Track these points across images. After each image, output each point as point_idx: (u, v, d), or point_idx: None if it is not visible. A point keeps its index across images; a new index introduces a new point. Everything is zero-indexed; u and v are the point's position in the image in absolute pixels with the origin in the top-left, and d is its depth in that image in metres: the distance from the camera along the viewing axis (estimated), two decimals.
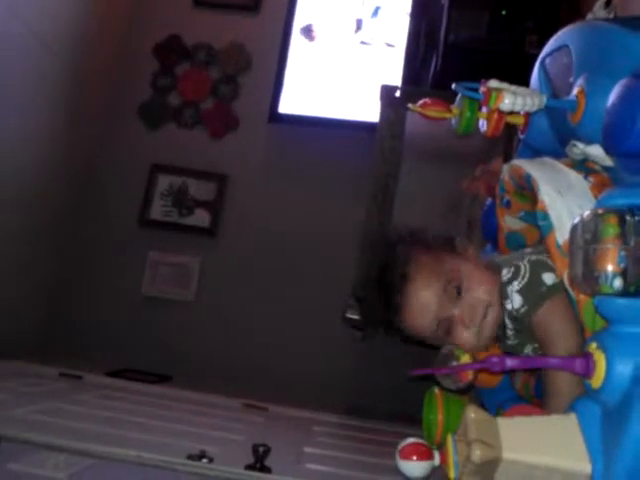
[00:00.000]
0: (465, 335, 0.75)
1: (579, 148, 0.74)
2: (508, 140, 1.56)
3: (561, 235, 0.67)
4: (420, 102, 0.83)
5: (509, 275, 0.75)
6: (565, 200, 0.69)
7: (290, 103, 2.70)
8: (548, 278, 0.72)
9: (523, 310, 0.73)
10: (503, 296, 0.75)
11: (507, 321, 0.76)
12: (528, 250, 0.80)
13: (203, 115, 2.76)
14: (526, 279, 0.73)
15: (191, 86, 2.78)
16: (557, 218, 0.68)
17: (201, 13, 2.83)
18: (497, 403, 0.84)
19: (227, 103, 2.77)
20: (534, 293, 0.72)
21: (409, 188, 2.01)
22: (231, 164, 2.69)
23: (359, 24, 2.77)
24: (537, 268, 0.73)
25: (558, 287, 0.71)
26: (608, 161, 0.71)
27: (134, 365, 2.28)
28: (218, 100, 2.77)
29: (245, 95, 2.77)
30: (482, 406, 0.83)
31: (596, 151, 0.71)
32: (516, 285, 0.74)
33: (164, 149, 2.72)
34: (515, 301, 0.73)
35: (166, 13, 2.86)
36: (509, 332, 0.77)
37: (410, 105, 0.83)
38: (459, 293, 0.75)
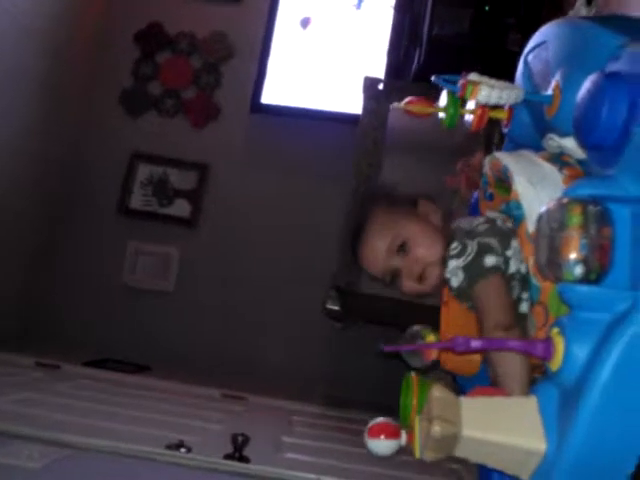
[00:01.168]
0: (408, 284, 0.86)
1: (555, 141, 0.77)
2: (489, 135, 1.58)
3: (531, 224, 0.70)
4: (405, 100, 0.86)
5: (456, 251, 0.81)
6: (537, 191, 0.73)
7: (273, 94, 2.69)
8: (489, 260, 0.78)
9: (463, 285, 0.79)
10: (444, 266, 0.82)
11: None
12: (487, 228, 0.83)
13: (184, 104, 2.74)
14: (470, 258, 0.79)
15: (173, 75, 2.75)
16: (529, 208, 0.72)
17: (183, 1, 2.79)
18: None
19: (209, 92, 2.74)
20: (473, 272, 0.79)
21: (391, 180, 2.01)
22: (212, 154, 2.67)
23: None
24: (482, 250, 0.79)
25: (496, 269, 0.77)
26: (580, 154, 0.73)
27: (113, 355, 2.25)
28: (200, 89, 2.75)
29: (227, 85, 2.75)
30: (462, 393, 0.85)
31: (569, 144, 0.74)
32: (461, 262, 0.80)
33: (145, 138, 2.69)
34: (459, 276, 0.80)
35: (148, 0, 2.82)
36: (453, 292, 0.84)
37: (395, 104, 0.86)
38: (404, 250, 0.85)
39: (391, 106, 0.92)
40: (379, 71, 2.56)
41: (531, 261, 0.69)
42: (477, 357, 0.90)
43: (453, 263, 0.81)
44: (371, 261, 0.88)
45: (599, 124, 0.58)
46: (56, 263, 2.61)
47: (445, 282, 0.82)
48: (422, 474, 1.21)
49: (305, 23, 2.75)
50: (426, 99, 0.86)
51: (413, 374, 0.81)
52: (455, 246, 0.81)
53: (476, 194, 0.98)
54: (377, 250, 0.87)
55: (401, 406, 0.79)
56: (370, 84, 2.12)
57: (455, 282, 0.81)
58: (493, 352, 0.71)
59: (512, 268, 0.78)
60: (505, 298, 0.75)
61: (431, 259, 0.85)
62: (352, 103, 2.51)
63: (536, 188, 0.73)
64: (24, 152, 2.33)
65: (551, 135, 0.78)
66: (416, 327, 0.82)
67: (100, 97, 2.75)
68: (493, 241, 0.80)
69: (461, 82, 0.78)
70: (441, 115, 0.85)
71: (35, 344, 2.25)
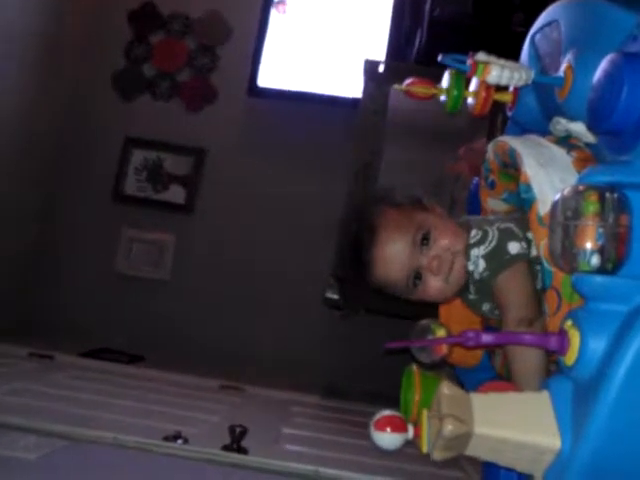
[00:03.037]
0: (434, 283, 0.79)
1: (562, 124, 0.75)
2: (492, 120, 1.55)
3: (543, 207, 0.68)
4: (406, 81, 0.83)
5: (477, 238, 0.78)
6: (547, 173, 0.70)
7: (270, 76, 2.64)
8: (513, 247, 0.75)
9: (485, 274, 0.76)
10: (466, 257, 0.78)
11: (469, 280, 0.79)
12: (499, 217, 0.82)
13: (179, 87, 2.69)
14: (492, 245, 0.76)
15: (167, 56, 2.70)
16: (539, 190, 0.69)
17: None
18: (476, 383, 0.84)
19: (204, 75, 2.70)
20: (497, 260, 0.75)
21: (391, 165, 2.00)
22: (208, 138, 2.63)
23: None
24: (504, 236, 0.76)
25: (521, 257, 0.74)
26: (590, 138, 0.71)
27: (107, 345, 2.24)
28: (195, 72, 2.70)
29: (223, 67, 2.70)
30: (461, 386, 0.84)
31: (578, 128, 0.72)
32: (482, 250, 0.76)
33: (138, 122, 2.64)
34: (479, 265, 0.76)
35: None
36: (471, 287, 0.80)
37: (396, 85, 0.83)
38: (427, 243, 0.78)
39: (392, 87, 0.88)
40: (380, 53, 2.51)
41: (543, 245, 0.67)
42: (479, 349, 0.88)
43: (475, 252, 0.77)
44: (392, 262, 0.78)
45: (618, 107, 0.55)
46: (49, 251, 2.58)
47: (468, 275, 0.78)
48: (424, 465, 1.21)
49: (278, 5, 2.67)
50: (428, 80, 0.83)
51: (414, 367, 0.79)
52: (475, 233, 0.78)
53: (476, 180, 0.95)
54: (399, 246, 0.78)
55: (402, 399, 0.77)
56: (370, 67, 2.08)
57: (476, 273, 0.76)
58: (510, 348, 0.69)
59: (534, 251, 0.74)
60: (529, 287, 0.72)
61: (458, 247, 0.78)
62: (352, 86, 2.47)
63: (546, 170, 0.70)
64: (13, 137, 2.29)
65: (558, 119, 0.75)
66: (425, 321, 0.78)
67: (92, 80, 2.69)
68: (511, 225, 0.77)
69: (470, 62, 0.76)
70: (443, 98, 0.82)
71: (28, 334, 2.23)
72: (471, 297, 0.81)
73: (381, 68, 2.11)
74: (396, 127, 2.01)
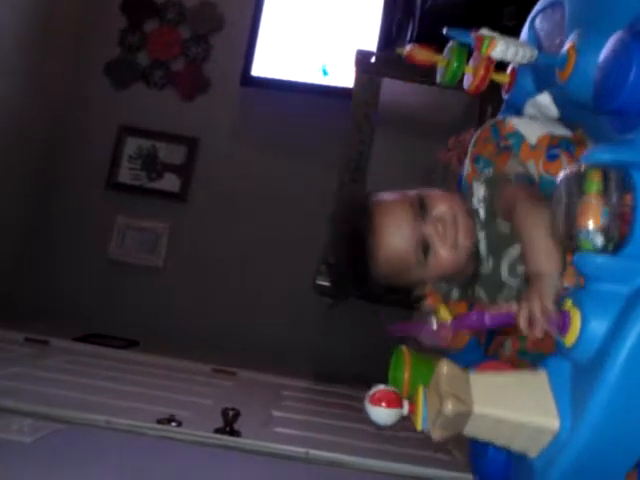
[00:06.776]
0: (444, 252, 0.75)
1: (535, 104, 0.76)
2: (481, 111, 1.57)
3: (532, 138, 0.68)
4: (409, 47, 0.82)
5: (478, 170, 0.78)
6: (535, 121, 0.70)
7: (263, 66, 2.64)
8: (512, 165, 0.75)
9: (487, 196, 0.75)
10: (470, 193, 0.77)
11: (478, 233, 0.77)
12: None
13: (173, 76, 2.68)
14: (492, 171, 0.77)
15: (161, 45, 2.69)
16: (525, 129, 0.69)
17: None
18: (465, 364, 0.85)
19: (198, 64, 2.69)
20: (498, 179, 0.75)
21: (382, 156, 2.00)
22: (202, 127, 2.63)
23: None
24: (502, 170, 0.76)
25: (522, 177, 0.73)
26: (553, 111, 0.72)
27: (102, 330, 2.25)
28: (189, 61, 2.69)
29: (217, 56, 2.69)
30: None
31: (543, 99, 0.73)
32: (482, 178, 0.76)
33: (133, 110, 2.64)
34: (480, 191, 0.76)
35: None
36: (482, 248, 0.77)
37: (398, 49, 0.82)
38: (424, 211, 0.76)
39: (396, 51, 0.86)
40: (372, 44, 2.51)
41: (541, 162, 0.67)
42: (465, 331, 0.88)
43: (474, 184, 0.76)
44: (396, 237, 0.75)
45: (625, 87, 0.54)
46: (44, 238, 2.58)
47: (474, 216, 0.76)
48: (410, 448, 1.23)
49: None
50: (431, 47, 0.82)
51: (404, 347, 0.78)
52: (475, 179, 0.77)
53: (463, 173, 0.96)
54: (399, 218, 0.75)
55: (390, 379, 0.77)
56: (362, 57, 2.07)
57: (476, 199, 0.75)
58: (523, 228, 0.67)
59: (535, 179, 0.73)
60: (539, 197, 0.67)
61: (456, 208, 0.75)
62: (345, 76, 2.47)
63: (535, 120, 0.70)
64: (7, 125, 2.28)
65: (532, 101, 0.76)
66: (428, 304, 0.76)
67: (85, 68, 2.68)
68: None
69: (476, 35, 0.75)
70: (440, 73, 0.81)
71: (23, 319, 2.24)
72: (486, 271, 0.77)
73: (373, 59, 2.11)
74: (387, 118, 2.01)
